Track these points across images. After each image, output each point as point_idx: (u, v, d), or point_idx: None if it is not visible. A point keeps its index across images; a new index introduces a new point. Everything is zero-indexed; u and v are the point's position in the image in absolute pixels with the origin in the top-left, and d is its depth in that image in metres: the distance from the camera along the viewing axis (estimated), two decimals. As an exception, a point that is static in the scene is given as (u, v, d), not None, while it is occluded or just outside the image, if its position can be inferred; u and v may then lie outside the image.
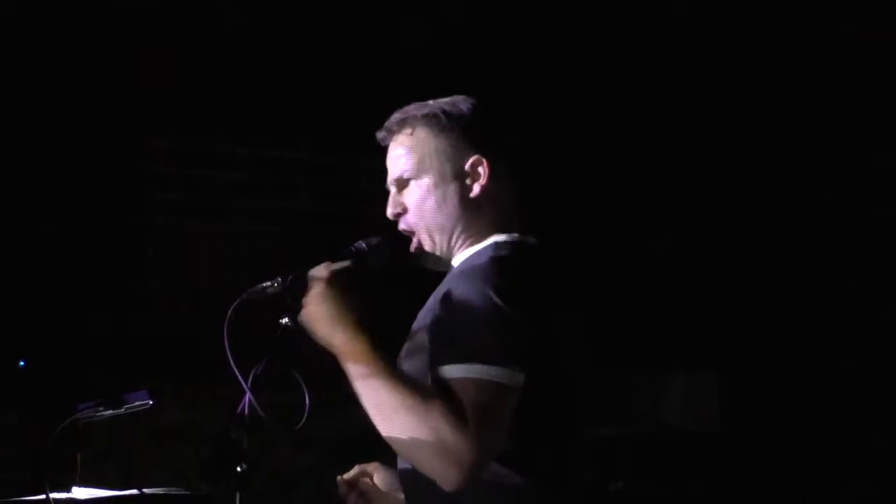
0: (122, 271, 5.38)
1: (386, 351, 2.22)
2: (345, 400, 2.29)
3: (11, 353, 4.97)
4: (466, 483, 2.10)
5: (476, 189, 2.40)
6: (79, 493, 3.14)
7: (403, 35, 5.24)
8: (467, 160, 2.40)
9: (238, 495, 2.53)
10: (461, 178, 2.40)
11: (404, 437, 2.15)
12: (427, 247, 2.43)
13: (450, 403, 2.11)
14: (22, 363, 4.94)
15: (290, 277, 2.36)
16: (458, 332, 2.17)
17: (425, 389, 2.17)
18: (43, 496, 2.96)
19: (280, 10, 5.07)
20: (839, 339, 6.10)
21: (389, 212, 2.47)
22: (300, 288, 2.34)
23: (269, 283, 2.37)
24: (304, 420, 2.47)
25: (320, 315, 2.24)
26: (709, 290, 6.19)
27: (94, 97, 5.30)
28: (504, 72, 5.39)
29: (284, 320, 2.33)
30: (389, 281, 2.55)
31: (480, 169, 2.40)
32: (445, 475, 2.11)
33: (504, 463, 2.19)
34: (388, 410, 2.16)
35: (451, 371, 2.15)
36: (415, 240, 2.45)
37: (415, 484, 2.27)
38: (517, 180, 2.47)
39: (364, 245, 2.44)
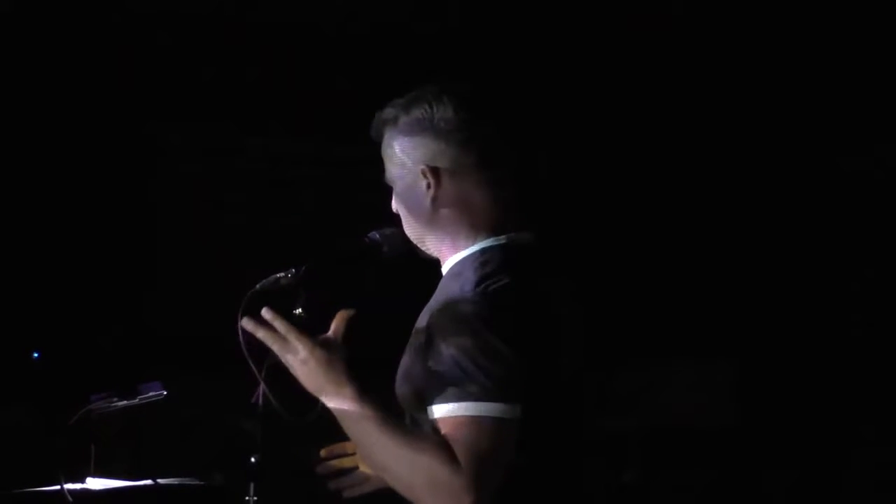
0: (134, 263, 5.39)
1: (374, 397, 2.19)
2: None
3: (25, 344, 4.98)
4: None
5: (429, 197, 2.33)
6: (93, 483, 3.14)
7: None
8: (418, 168, 2.33)
9: (251, 486, 2.53)
10: (418, 187, 2.35)
11: (401, 480, 2.15)
12: (412, 240, 2.43)
13: (444, 443, 2.10)
14: (36, 354, 4.95)
15: (303, 268, 2.35)
16: (449, 369, 2.15)
17: (418, 432, 2.17)
18: (58, 487, 2.97)
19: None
20: (859, 329, 6.08)
21: (393, 207, 2.46)
22: (314, 279, 2.34)
23: (282, 275, 2.36)
24: (317, 411, 2.46)
25: (305, 377, 2.21)
26: (723, 281, 6.17)
27: (105, 90, 5.31)
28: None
29: (298, 311, 2.32)
30: (402, 271, 2.53)
31: (430, 177, 2.32)
32: None
33: (506, 488, 2.17)
34: (382, 456, 2.16)
35: (445, 409, 2.13)
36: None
37: None
38: (504, 173, 2.40)
39: (377, 235, 2.43)
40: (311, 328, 2.29)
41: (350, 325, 2.24)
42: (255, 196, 5.67)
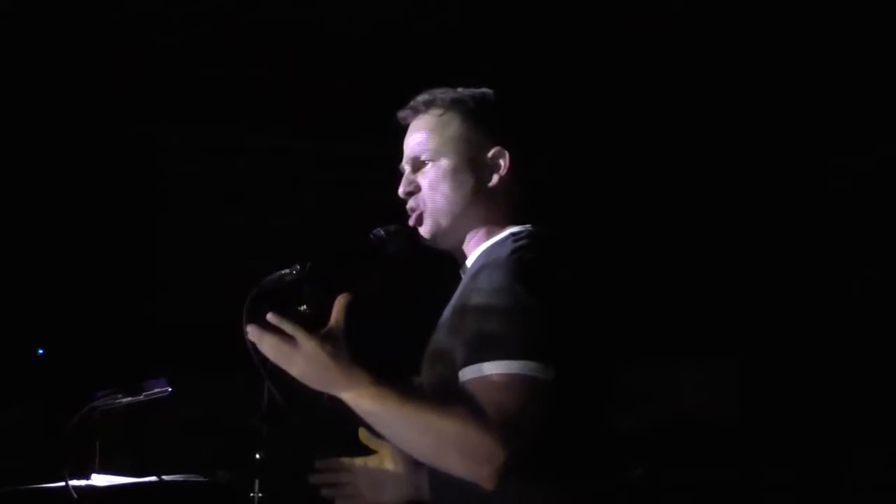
0: (138, 260, 5.41)
1: (386, 379, 2.14)
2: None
3: (30, 341, 4.99)
4: (500, 479, 2.08)
5: (495, 180, 2.38)
6: (98, 480, 3.15)
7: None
8: (490, 150, 2.38)
9: (256, 483, 2.54)
10: (480, 167, 2.38)
11: (431, 450, 2.12)
12: (427, 228, 2.41)
13: (474, 403, 2.09)
14: (41, 351, 4.96)
15: (307, 265, 2.35)
16: (484, 330, 2.14)
17: (439, 400, 2.15)
18: (62, 483, 2.98)
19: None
20: (863, 326, 6.09)
21: (401, 189, 2.44)
22: (318, 276, 2.34)
23: (286, 271, 2.36)
24: (323, 406, 2.47)
25: (310, 377, 2.14)
26: (726, 280, 6.18)
27: (108, 90, 5.32)
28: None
29: (303, 308, 2.32)
30: (412, 269, 2.54)
31: (502, 161, 2.38)
32: (479, 475, 2.08)
33: (538, 460, 2.17)
34: (408, 432, 2.13)
35: (478, 369, 2.12)
36: (414, 216, 2.43)
37: (445, 488, 2.26)
38: (532, 172, 2.45)
39: (382, 233, 2.43)
40: (316, 325, 2.29)
41: (351, 310, 2.22)
42: (258, 194, 5.68)
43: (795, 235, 6.20)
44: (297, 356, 2.13)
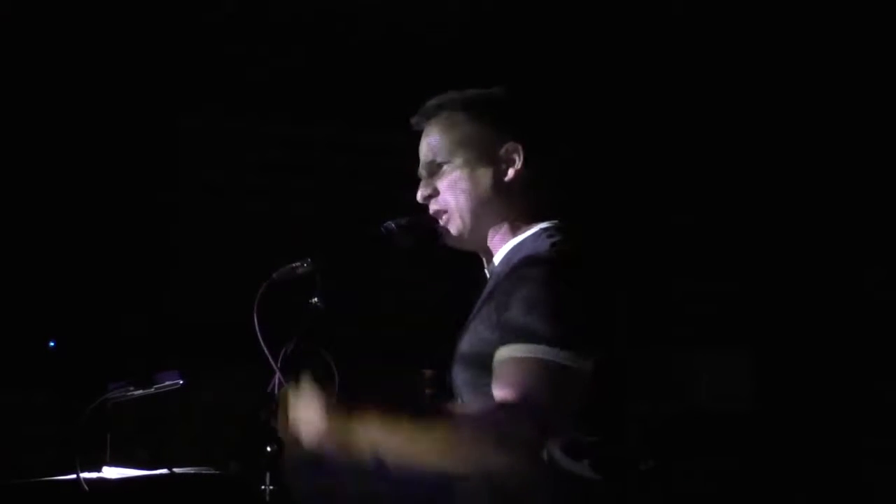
0: (152, 250, 5.40)
1: (391, 420, 2.12)
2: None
3: (41, 333, 4.99)
4: (531, 460, 2.08)
5: (510, 174, 2.39)
6: (109, 472, 3.15)
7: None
8: (503, 145, 2.40)
9: (268, 475, 2.54)
10: (495, 163, 2.40)
11: (470, 460, 2.10)
12: (454, 228, 2.42)
13: (501, 384, 2.11)
14: (52, 343, 4.96)
15: (318, 258, 2.35)
16: (523, 317, 2.16)
17: (453, 419, 2.16)
18: (73, 476, 2.97)
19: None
20: (880, 316, 6.07)
21: (420, 195, 2.46)
22: (330, 268, 2.34)
23: (298, 264, 2.37)
24: (333, 400, 2.46)
25: (328, 450, 2.16)
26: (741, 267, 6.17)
27: (123, 75, 5.31)
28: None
29: (314, 300, 2.32)
30: (426, 261, 2.53)
31: (515, 155, 2.40)
32: (513, 461, 2.08)
33: (571, 453, 2.18)
34: (434, 458, 2.11)
35: (511, 350, 2.14)
36: (443, 219, 2.43)
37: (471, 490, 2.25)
38: (556, 167, 2.46)
39: (394, 225, 2.43)
40: (326, 317, 2.29)
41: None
42: (276, 183, 5.67)
43: (810, 224, 6.18)
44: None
